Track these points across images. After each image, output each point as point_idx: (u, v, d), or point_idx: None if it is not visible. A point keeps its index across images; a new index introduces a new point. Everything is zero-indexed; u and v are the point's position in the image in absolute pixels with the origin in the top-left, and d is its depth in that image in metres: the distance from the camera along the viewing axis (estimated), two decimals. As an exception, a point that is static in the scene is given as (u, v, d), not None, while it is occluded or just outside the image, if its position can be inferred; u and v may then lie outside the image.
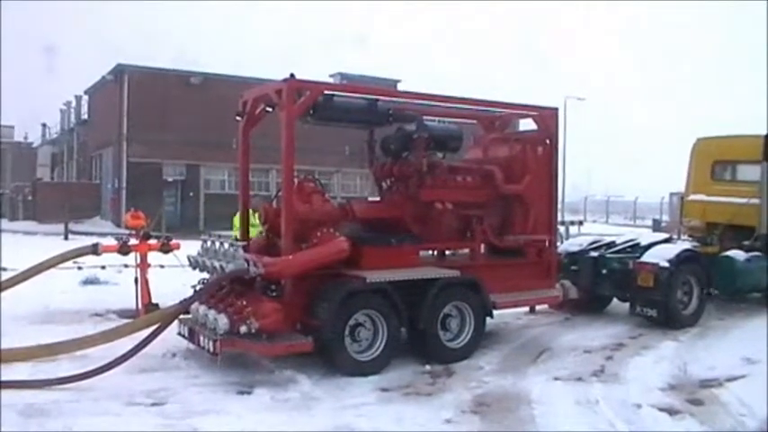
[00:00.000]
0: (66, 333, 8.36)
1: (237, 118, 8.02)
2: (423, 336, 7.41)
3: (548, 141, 9.20)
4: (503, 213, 8.89)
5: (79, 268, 12.86)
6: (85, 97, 40.29)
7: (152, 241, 9.97)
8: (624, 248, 10.79)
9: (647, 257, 9.99)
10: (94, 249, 9.44)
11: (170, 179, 32.24)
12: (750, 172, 12.10)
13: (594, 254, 10.56)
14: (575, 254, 10.55)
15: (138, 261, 9.87)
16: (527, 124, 10.15)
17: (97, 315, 9.90)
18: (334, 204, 7.93)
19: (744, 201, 11.65)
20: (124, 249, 9.60)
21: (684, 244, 10.89)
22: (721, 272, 10.69)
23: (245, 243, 7.06)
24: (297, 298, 6.96)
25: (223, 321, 6.52)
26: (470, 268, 8.19)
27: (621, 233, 14.37)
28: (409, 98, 7.86)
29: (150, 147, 30.19)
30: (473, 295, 7.79)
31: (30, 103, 73.25)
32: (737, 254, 11.02)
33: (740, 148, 12.36)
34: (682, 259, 9.99)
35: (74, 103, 43.55)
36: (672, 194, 32.43)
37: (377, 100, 7.86)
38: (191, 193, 32.51)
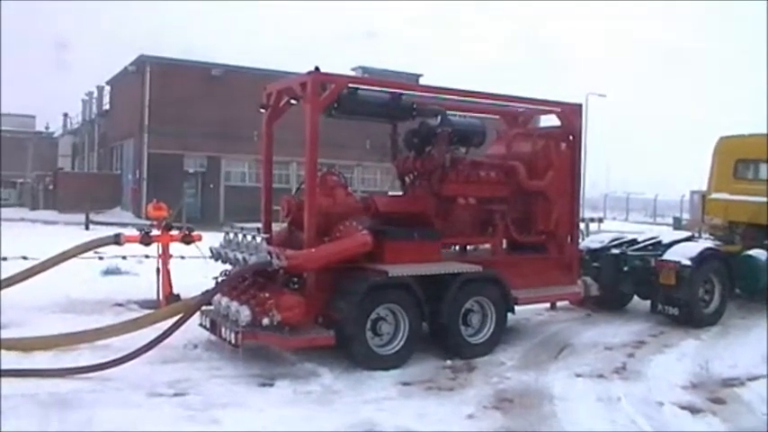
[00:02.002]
0: (88, 323, 8.44)
1: (261, 110, 8.03)
2: (444, 331, 7.40)
3: (571, 137, 9.13)
4: (525, 209, 8.85)
5: (100, 258, 12.97)
6: (107, 88, 40.57)
7: (174, 232, 10.02)
8: (646, 246, 10.72)
9: (669, 255, 9.90)
10: (117, 240, 9.52)
11: (191, 171, 32.44)
12: None
13: (616, 251, 10.49)
14: (596, 251, 10.48)
15: (160, 252, 9.95)
16: (548, 120, 10.09)
17: (118, 305, 9.99)
18: (357, 198, 7.93)
19: (766, 200, 11.51)
20: (146, 240, 9.65)
21: (707, 242, 10.77)
22: (743, 271, 10.57)
23: (268, 236, 7.06)
24: (319, 291, 6.97)
25: (245, 313, 6.54)
26: (492, 264, 8.16)
27: (641, 231, 14.27)
28: (433, 93, 7.82)
29: (171, 138, 30.38)
30: (495, 290, 7.77)
31: (51, 92, 73.84)
32: (760, 253, 10.88)
33: (763, 147, 12.21)
34: (704, 257, 9.90)
35: (95, 94, 43.82)
36: (693, 192, 32.24)
37: (401, 94, 7.84)
38: (211, 185, 32.69)
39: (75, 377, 6.21)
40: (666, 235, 11.23)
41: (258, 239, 6.93)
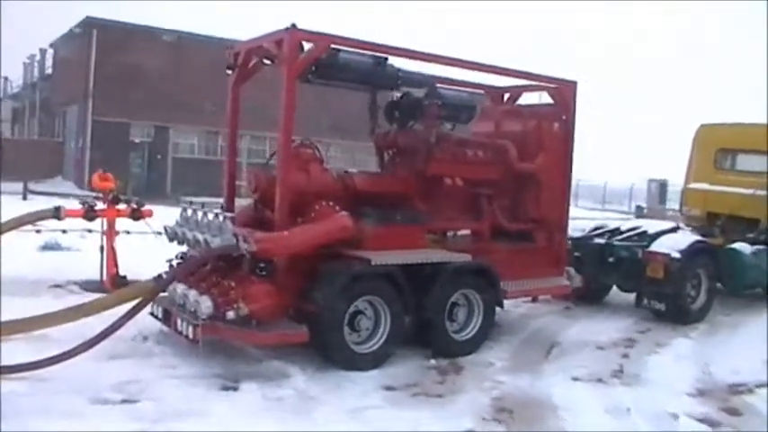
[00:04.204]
0: (23, 307, 7.37)
1: (228, 71, 7.04)
2: (427, 326, 6.62)
3: (564, 117, 8.41)
4: (513, 194, 8.11)
5: (38, 231, 11.77)
6: (50, 51, 38.30)
7: (121, 206, 8.97)
8: (631, 236, 10.14)
9: (658, 247, 9.34)
10: (56, 213, 8.46)
11: (137, 140, 30.82)
12: (756, 162, 11.55)
13: (600, 240, 9.90)
14: (578, 239, 9.85)
15: (105, 228, 8.90)
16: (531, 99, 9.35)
17: (57, 286, 8.93)
18: (333, 175, 7.04)
19: (750, 192, 11.09)
20: (90, 215, 8.62)
21: (695, 235, 10.26)
22: (728, 265, 10.11)
23: (232, 215, 6.14)
24: (289, 280, 6.08)
25: (206, 304, 5.63)
26: (477, 252, 7.40)
27: (593, 217, 13.68)
28: (421, 59, 6.94)
29: (118, 106, 28.65)
30: (483, 283, 7.03)
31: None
32: (744, 247, 10.44)
33: (746, 137, 11.81)
34: (694, 251, 9.39)
35: (38, 57, 41.42)
36: (650, 181, 32.31)
37: (386, 59, 6.96)
38: (158, 156, 31.14)
39: (6, 377, 5.18)
40: (651, 225, 10.67)
41: (221, 219, 6.00)
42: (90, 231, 13.15)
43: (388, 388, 5.78)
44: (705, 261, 9.63)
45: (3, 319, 6.38)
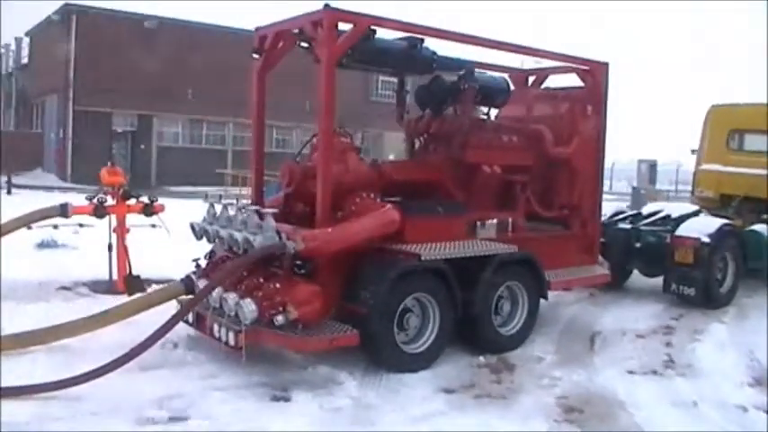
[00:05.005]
0: (36, 313, 6.99)
1: (255, 56, 6.58)
2: (473, 321, 6.28)
3: (596, 100, 8.09)
4: (547, 180, 7.80)
5: (28, 228, 11.22)
6: (26, 39, 37.05)
7: (131, 202, 8.51)
8: (655, 221, 9.91)
9: (686, 231, 9.11)
10: (63, 211, 7.99)
11: (120, 130, 30.02)
12: None
13: (626, 226, 9.65)
14: (604, 226, 9.56)
15: (115, 225, 8.44)
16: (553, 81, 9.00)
17: (65, 288, 8.46)
18: (368, 164, 6.65)
19: (765, 172, 10.92)
20: (100, 212, 8.13)
21: (721, 218, 10.04)
22: (750, 247, 9.92)
23: (274, 210, 5.71)
24: (332, 278, 5.71)
25: (250, 308, 5.22)
26: (515, 242, 7.07)
27: None
28: (459, 41, 6.54)
29: (99, 95, 27.78)
30: (528, 274, 6.71)
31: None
32: (762, 228, 10.27)
33: (759, 117, 11.62)
34: (722, 234, 9.18)
35: (13, 46, 40.09)
36: (640, 161, 32.19)
37: (422, 41, 6.56)
38: (142, 146, 30.40)
39: (34, 397, 4.74)
40: (672, 208, 10.45)
41: (261, 215, 5.58)
42: (81, 226, 12.61)
43: (447, 390, 5.44)
44: (732, 244, 9.45)
45: (20, 328, 5.97)
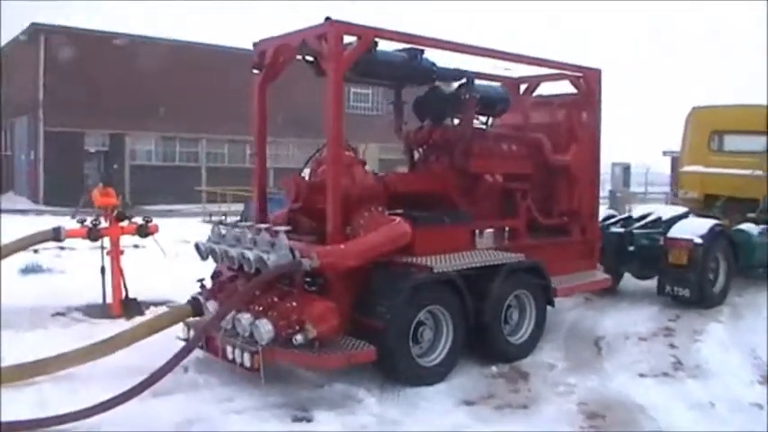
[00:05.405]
0: (35, 341, 6.79)
1: (255, 71, 6.51)
2: (484, 331, 6.26)
3: (590, 106, 8.17)
4: (547, 187, 7.84)
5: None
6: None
7: (123, 223, 8.34)
8: (646, 224, 10.01)
9: (679, 233, 9.22)
10: (57, 235, 7.78)
11: (92, 150, 29.51)
12: (751, 142, 11.63)
13: (619, 230, 9.74)
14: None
15: (109, 247, 8.25)
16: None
17: (59, 314, 8.21)
18: (373, 177, 6.61)
19: (747, 172, 11.14)
20: (93, 234, 7.94)
21: (711, 219, 10.20)
22: (740, 246, 10.08)
23: (287, 227, 5.62)
24: (344, 294, 5.65)
25: (266, 328, 5.12)
26: (517, 250, 7.07)
27: None
28: (458, 50, 6.55)
29: (70, 115, 27.29)
30: (535, 282, 6.72)
31: None
32: (750, 227, 10.46)
33: (740, 118, 11.90)
34: (714, 235, 9.30)
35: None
36: (614, 165, 32.61)
37: (422, 52, 6.57)
38: (115, 165, 29.89)
39: (49, 429, 4.59)
40: (662, 210, 10.59)
41: (273, 233, 5.49)
42: (62, 248, 12.34)
43: (467, 402, 5.41)
44: (723, 244, 9.59)
45: (21, 358, 5.79)
